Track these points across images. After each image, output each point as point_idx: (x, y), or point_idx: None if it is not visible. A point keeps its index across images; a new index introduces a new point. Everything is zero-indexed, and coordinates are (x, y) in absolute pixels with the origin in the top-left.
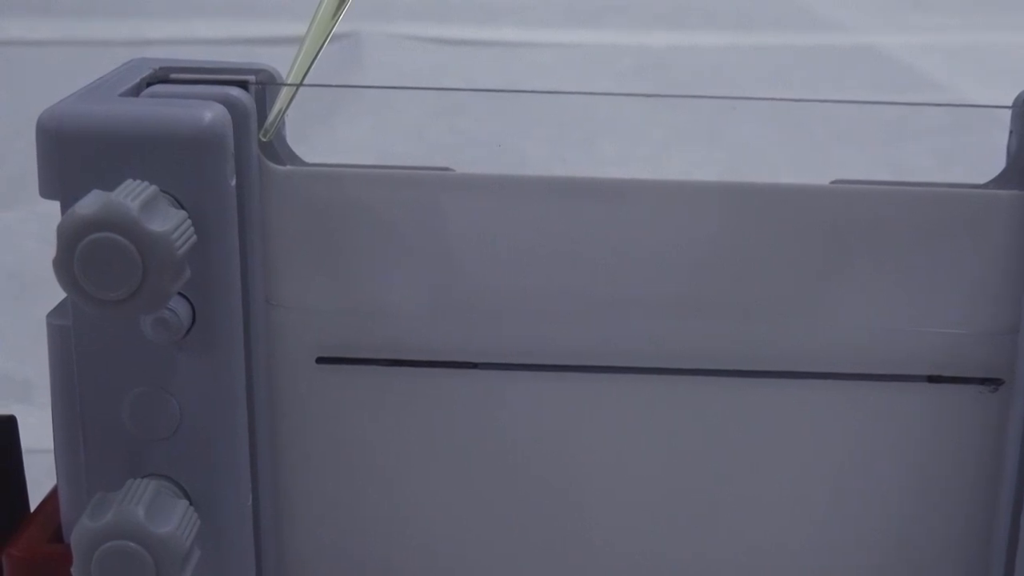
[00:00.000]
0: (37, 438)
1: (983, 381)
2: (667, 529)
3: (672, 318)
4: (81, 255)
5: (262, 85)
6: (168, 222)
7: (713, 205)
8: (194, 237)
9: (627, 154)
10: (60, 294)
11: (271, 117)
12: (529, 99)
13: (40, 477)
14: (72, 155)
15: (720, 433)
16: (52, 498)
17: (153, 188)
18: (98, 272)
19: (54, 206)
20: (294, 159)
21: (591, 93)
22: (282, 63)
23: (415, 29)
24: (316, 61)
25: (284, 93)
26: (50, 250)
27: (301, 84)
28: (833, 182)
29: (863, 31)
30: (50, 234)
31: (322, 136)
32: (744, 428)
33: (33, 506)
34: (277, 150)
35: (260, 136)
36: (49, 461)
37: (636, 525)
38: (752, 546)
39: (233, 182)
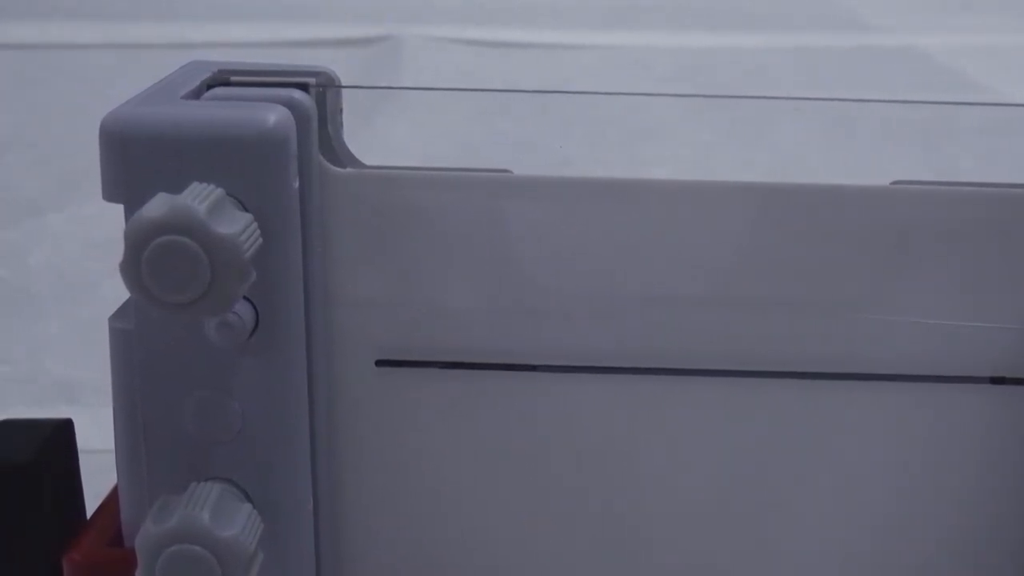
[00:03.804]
0: (85, 438)
1: None
2: (724, 531)
3: (733, 320)
4: (149, 258)
5: (323, 87)
6: (235, 225)
7: (771, 206)
8: (260, 240)
9: (669, 156)
10: (107, 296)
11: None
12: (570, 100)
13: (87, 478)
14: (136, 158)
15: (780, 435)
16: (110, 502)
17: (219, 191)
18: (166, 275)
19: (100, 208)
20: (354, 161)
21: (632, 94)
22: (329, 65)
23: (455, 31)
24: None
25: None
26: (95, 252)
27: (364, 87)
28: (893, 183)
29: (904, 32)
30: (95, 236)
31: (364, 138)
32: (804, 431)
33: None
34: (337, 152)
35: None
36: (97, 461)
37: (696, 527)
38: (810, 550)
39: (296, 184)
